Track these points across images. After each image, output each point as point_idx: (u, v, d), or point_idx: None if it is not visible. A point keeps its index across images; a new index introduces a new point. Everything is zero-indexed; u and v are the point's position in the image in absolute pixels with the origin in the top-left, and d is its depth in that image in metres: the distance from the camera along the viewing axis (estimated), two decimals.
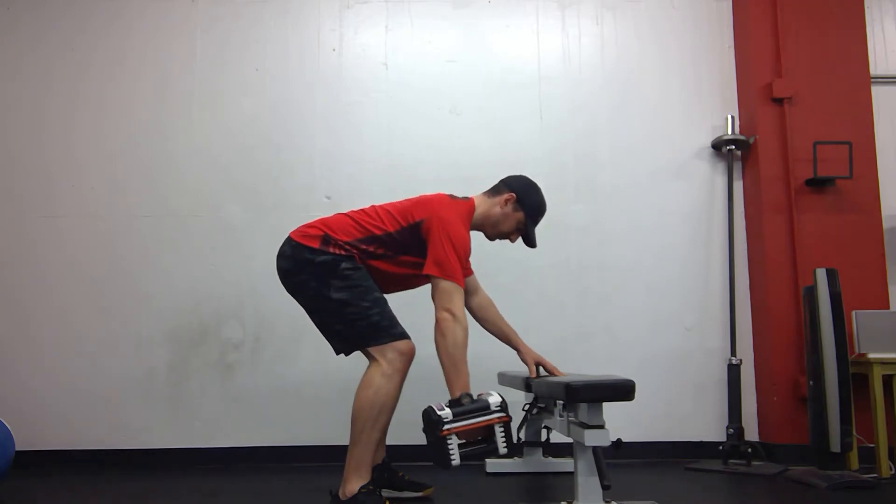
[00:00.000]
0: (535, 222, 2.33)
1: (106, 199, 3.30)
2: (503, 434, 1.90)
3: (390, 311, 2.11)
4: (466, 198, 2.29)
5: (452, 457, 1.85)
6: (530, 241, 2.33)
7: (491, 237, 2.35)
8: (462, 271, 2.07)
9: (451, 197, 2.23)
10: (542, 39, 3.48)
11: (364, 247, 2.11)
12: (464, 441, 1.89)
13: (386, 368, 2.01)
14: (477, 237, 2.35)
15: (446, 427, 1.85)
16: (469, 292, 2.43)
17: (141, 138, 3.34)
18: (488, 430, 1.90)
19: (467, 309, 2.44)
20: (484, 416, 1.89)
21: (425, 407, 1.91)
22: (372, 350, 2.05)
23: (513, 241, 2.35)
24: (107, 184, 3.31)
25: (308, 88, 3.40)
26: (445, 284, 2.02)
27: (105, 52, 3.40)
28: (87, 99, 3.36)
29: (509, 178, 2.35)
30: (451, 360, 1.98)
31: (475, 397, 1.94)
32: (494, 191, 2.32)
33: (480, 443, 1.91)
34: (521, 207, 2.28)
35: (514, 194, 2.27)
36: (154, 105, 3.37)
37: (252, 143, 3.35)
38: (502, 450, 1.90)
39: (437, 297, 2.04)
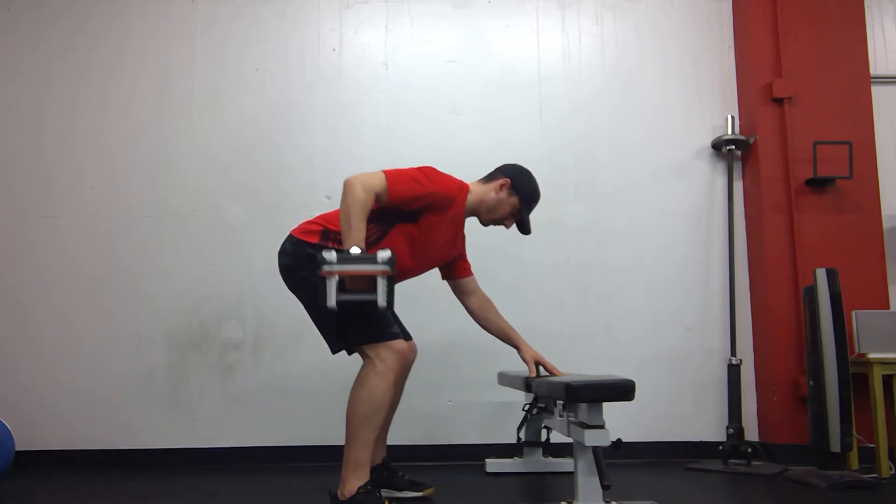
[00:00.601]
0: (530, 208, 2.33)
1: (106, 199, 3.30)
2: (385, 287, 1.88)
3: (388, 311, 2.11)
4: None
5: (329, 297, 1.86)
6: (525, 228, 2.33)
7: (485, 222, 2.35)
8: (413, 190, 2.07)
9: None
10: (542, 39, 3.48)
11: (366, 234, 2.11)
12: (346, 288, 1.89)
13: (380, 367, 2.01)
14: (474, 232, 2.34)
15: (326, 268, 1.85)
16: (467, 293, 2.43)
17: (141, 138, 3.34)
18: (370, 281, 1.89)
19: (466, 309, 2.44)
20: (368, 265, 1.88)
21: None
22: (366, 349, 2.04)
23: (507, 226, 2.35)
24: (107, 184, 3.31)
25: (308, 88, 3.40)
26: (375, 173, 2.04)
27: (105, 52, 3.40)
28: (87, 99, 3.36)
29: (504, 165, 2.36)
30: (346, 215, 1.97)
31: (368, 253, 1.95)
32: (489, 177, 2.33)
33: (362, 293, 1.89)
34: (515, 193, 2.28)
35: (508, 180, 2.28)
36: (154, 105, 3.37)
37: (252, 143, 3.35)
38: (381, 302, 1.88)
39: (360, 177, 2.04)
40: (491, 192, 2.28)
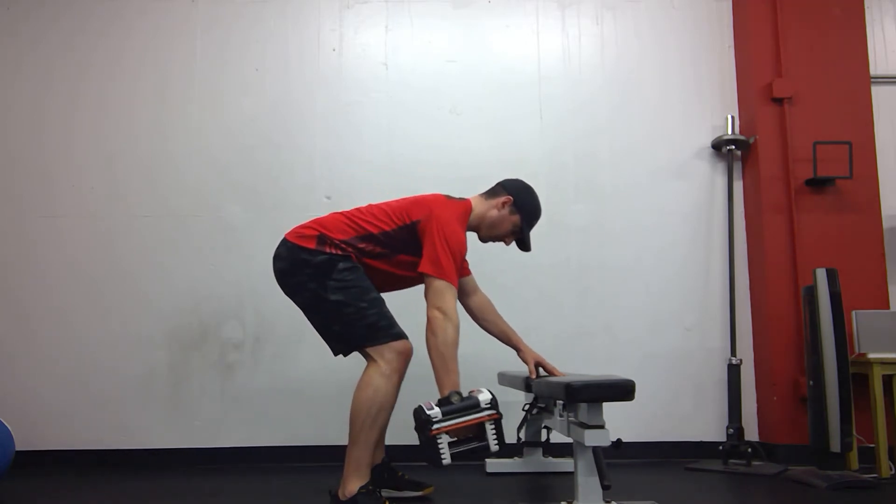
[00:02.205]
0: (531, 226, 2.33)
1: (106, 199, 3.30)
2: (494, 431, 1.88)
3: (388, 311, 2.12)
4: (463, 199, 2.29)
5: (443, 456, 1.84)
6: (525, 245, 2.33)
7: (484, 239, 2.35)
8: (457, 271, 2.07)
9: (448, 197, 2.23)
10: (542, 39, 3.48)
11: (361, 245, 2.11)
12: (455, 439, 1.88)
13: (384, 368, 2.01)
14: (473, 239, 2.34)
15: (435, 426, 1.84)
16: (467, 293, 2.43)
17: (141, 138, 3.34)
18: (479, 427, 1.89)
19: (466, 310, 2.44)
20: (473, 414, 1.87)
21: (415, 407, 1.90)
22: (370, 350, 2.05)
23: (507, 244, 2.35)
24: (107, 184, 3.31)
25: (308, 88, 3.40)
26: (438, 283, 2.02)
27: (105, 52, 3.40)
28: (87, 99, 3.36)
29: (506, 181, 2.35)
30: (441, 358, 1.98)
31: (466, 395, 1.93)
32: (491, 193, 2.32)
33: (472, 440, 1.89)
34: (517, 210, 2.28)
35: (511, 197, 2.27)
36: (154, 105, 3.37)
37: (252, 143, 3.35)
38: (493, 447, 1.88)
39: (430, 295, 2.04)
40: (493, 210, 2.27)
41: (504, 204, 2.27)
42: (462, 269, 2.42)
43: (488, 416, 1.87)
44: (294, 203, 3.29)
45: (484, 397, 1.89)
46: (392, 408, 2.06)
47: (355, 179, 3.33)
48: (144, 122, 3.35)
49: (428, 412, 1.86)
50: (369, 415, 2.00)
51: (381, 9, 3.48)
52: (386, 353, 2.03)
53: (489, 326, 2.45)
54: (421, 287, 2.14)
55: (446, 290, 2.02)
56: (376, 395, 2.00)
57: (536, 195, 2.33)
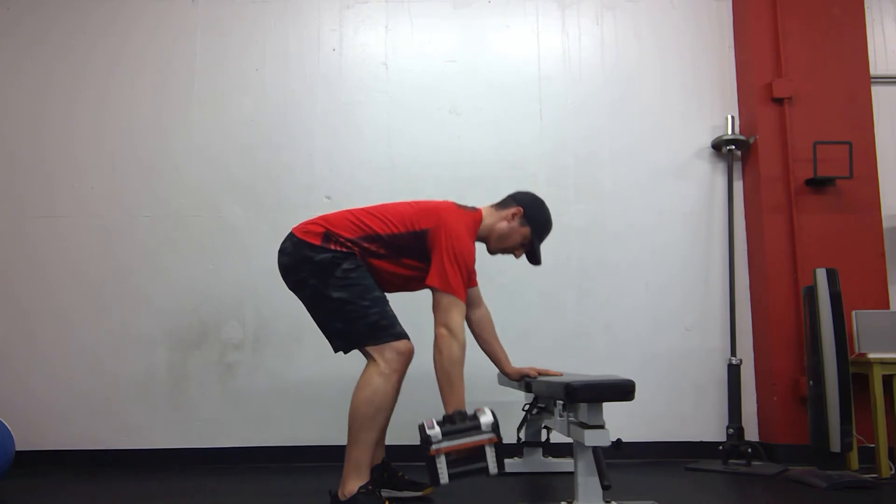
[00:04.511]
0: (541, 239, 2.31)
1: (106, 199, 3.30)
2: (493, 455, 1.88)
3: (391, 310, 2.11)
4: (474, 208, 2.27)
5: (441, 475, 1.85)
6: (535, 258, 2.31)
7: (493, 251, 2.33)
8: (464, 285, 2.06)
9: (458, 206, 2.21)
10: (542, 39, 3.48)
11: (366, 245, 2.11)
12: (454, 458, 1.88)
13: (384, 368, 2.01)
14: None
15: (434, 447, 1.84)
16: (470, 304, 2.40)
17: (141, 138, 3.34)
18: (479, 449, 1.89)
19: (466, 321, 2.43)
20: (474, 436, 1.87)
21: (419, 422, 1.91)
22: (370, 349, 2.04)
23: (517, 256, 2.33)
24: (107, 184, 3.31)
25: (308, 88, 3.40)
26: (446, 299, 2.02)
27: (105, 53, 3.40)
28: (87, 99, 3.36)
29: (517, 193, 2.33)
30: (447, 376, 1.98)
31: (470, 413, 1.93)
32: (502, 204, 2.30)
33: (471, 461, 1.89)
34: (527, 222, 2.26)
35: (521, 208, 2.25)
36: (154, 105, 3.37)
37: (252, 143, 3.35)
38: (493, 470, 1.88)
39: (437, 311, 2.03)
40: (503, 222, 2.25)
41: (514, 216, 2.25)
42: (469, 280, 2.42)
43: (488, 439, 1.87)
44: (294, 203, 3.29)
45: (486, 420, 1.89)
46: (392, 408, 2.06)
47: (355, 179, 3.33)
48: (144, 122, 3.35)
49: (428, 431, 1.86)
50: (368, 415, 2.00)
51: (381, 9, 3.48)
52: (386, 353, 2.02)
53: (482, 344, 2.47)
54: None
55: (453, 307, 2.02)
56: (375, 396, 1.99)
57: (547, 208, 2.32)
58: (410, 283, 2.23)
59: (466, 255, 2.08)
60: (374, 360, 2.04)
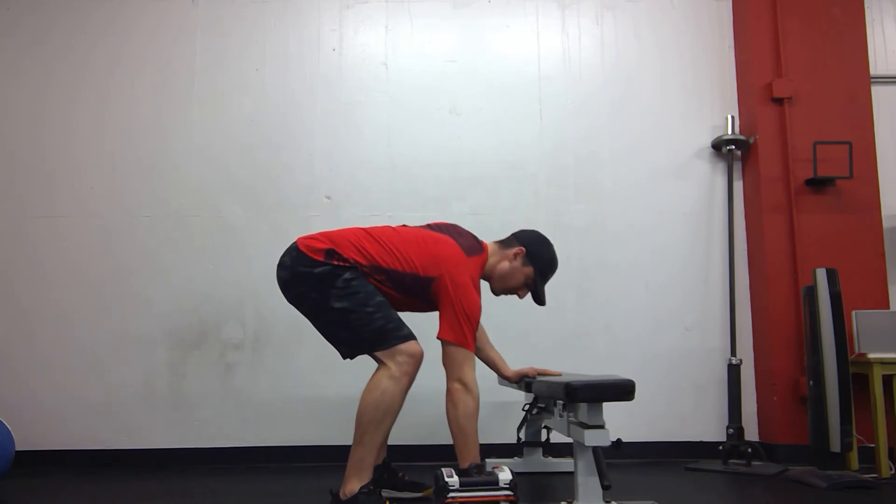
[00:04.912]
0: (546, 279, 2.28)
1: (106, 199, 3.30)
2: None
3: (395, 313, 2.09)
4: (480, 243, 2.23)
5: None
6: (539, 299, 2.28)
7: (496, 291, 2.30)
8: (473, 337, 2.06)
9: (466, 252, 2.13)
10: (542, 39, 3.48)
11: (367, 270, 2.08)
12: None
13: (395, 371, 2.00)
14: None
15: (451, 496, 1.85)
16: None
17: (141, 138, 3.34)
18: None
19: None
20: (491, 491, 1.87)
21: (436, 471, 1.92)
22: (380, 354, 2.03)
23: (521, 296, 2.30)
24: (107, 184, 3.31)
25: (308, 88, 3.40)
26: (460, 353, 2.02)
27: (105, 53, 3.40)
28: (86, 99, 3.36)
29: (521, 231, 2.30)
30: (461, 430, 1.98)
31: (487, 469, 1.94)
32: (506, 243, 2.27)
33: None
34: (530, 262, 2.23)
35: (523, 248, 2.23)
36: (154, 105, 3.37)
37: (252, 143, 3.35)
38: None
39: (449, 365, 2.03)
40: (504, 262, 2.23)
41: (516, 255, 2.22)
42: None
43: (505, 496, 1.87)
44: (294, 203, 3.29)
45: (504, 476, 1.89)
46: (398, 411, 2.04)
47: (355, 179, 3.33)
48: (144, 122, 3.35)
49: (447, 479, 1.86)
50: (375, 417, 1.99)
51: (381, 9, 3.48)
52: (397, 356, 2.01)
53: (479, 354, 2.46)
54: None
55: (465, 360, 2.02)
56: (384, 398, 1.98)
57: (552, 247, 2.29)
58: (415, 307, 2.21)
59: (475, 309, 2.06)
60: (384, 364, 2.02)
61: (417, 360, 2.05)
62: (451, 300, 2.03)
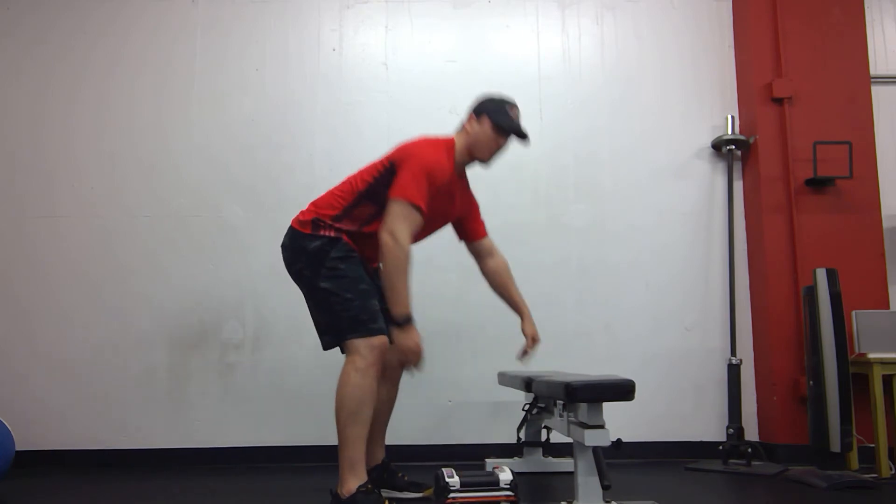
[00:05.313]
0: (506, 116, 2.24)
1: (106, 199, 3.30)
2: None
3: (375, 305, 2.09)
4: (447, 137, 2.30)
5: None
6: (517, 132, 2.24)
7: (484, 160, 2.28)
8: (427, 194, 2.05)
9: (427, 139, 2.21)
10: (542, 39, 3.48)
11: (355, 212, 2.12)
12: None
13: (359, 363, 2.00)
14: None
15: (451, 496, 1.86)
16: (482, 255, 2.44)
17: (141, 138, 3.34)
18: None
19: (482, 272, 2.46)
20: (491, 491, 1.88)
21: (436, 471, 1.92)
22: (347, 343, 2.04)
23: (501, 145, 2.27)
24: (107, 184, 3.31)
25: (308, 88, 3.40)
26: (397, 206, 2.03)
27: (105, 53, 3.40)
28: (86, 99, 3.36)
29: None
30: (389, 282, 2.01)
31: (489, 469, 1.94)
32: (460, 125, 2.32)
33: None
34: (482, 114, 2.24)
35: (472, 114, 2.27)
36: (154, 105, 3.37)
37: (252, 143, 3.35)
38: None
39: (386, 217, 2.03)
40: (464, 136, 2.27)
41: (470, 122, 2.26)
42: (477, 231, 2.42)
43: (505, 497, 1.88)
44: (294, 203, 3.24)
45: (505, 477, 1.90)
46: (373, 401, 2.03)
47: None
48: (144, 122, 3.35)
49: (447, 479, 1.87)
50: (351, 411, 1.99)
51: (381, 9, 3.48)
52: (361, 348, 2.01)
53: (500, 291, 2.47)
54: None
55: (403, 216, 2.02)
56: (353, 391, 1.99)
57: (495, 94, 2.30)
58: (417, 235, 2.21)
59: (432, 165, 2.08)
60: (350, 356, 2.04)
61: (381, 351, 2.04)
62: (407, 163, 2.06)
